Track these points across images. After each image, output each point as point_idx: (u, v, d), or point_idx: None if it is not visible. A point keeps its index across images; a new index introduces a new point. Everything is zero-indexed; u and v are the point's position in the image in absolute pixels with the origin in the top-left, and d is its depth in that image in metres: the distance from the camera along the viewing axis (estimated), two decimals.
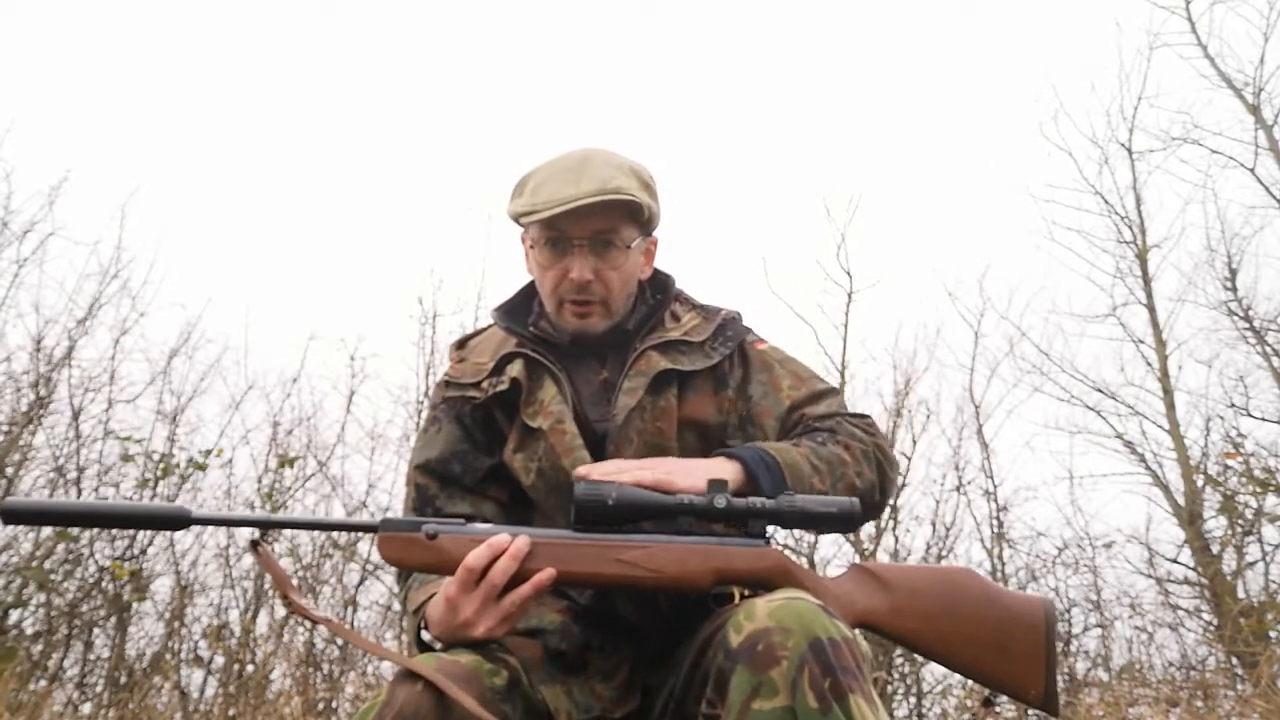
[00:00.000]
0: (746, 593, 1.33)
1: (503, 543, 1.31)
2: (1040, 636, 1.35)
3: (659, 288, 1.75)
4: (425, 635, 1.42)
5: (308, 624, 6.02)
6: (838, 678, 1.14)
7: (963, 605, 1.36)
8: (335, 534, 6.04)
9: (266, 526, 1.41)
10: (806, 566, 1.36)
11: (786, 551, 1.50)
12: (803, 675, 1.14)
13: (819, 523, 1.36)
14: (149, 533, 6.12)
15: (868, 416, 1.64)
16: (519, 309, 1.74)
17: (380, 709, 1.23)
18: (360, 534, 1.58)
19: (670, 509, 1.35)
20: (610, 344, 1.66)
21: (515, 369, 1.61)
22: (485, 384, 1.63)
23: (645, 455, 1.53)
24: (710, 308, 1.73)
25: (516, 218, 1.63)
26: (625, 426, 1.55)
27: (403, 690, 1.25)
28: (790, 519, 1.35)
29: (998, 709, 5.81)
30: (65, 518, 1.46)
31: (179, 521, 1.30)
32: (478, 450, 1.64)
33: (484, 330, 1.77)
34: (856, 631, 1.28)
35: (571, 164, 1.58)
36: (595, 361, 1.67)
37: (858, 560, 6.63)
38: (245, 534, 6.41)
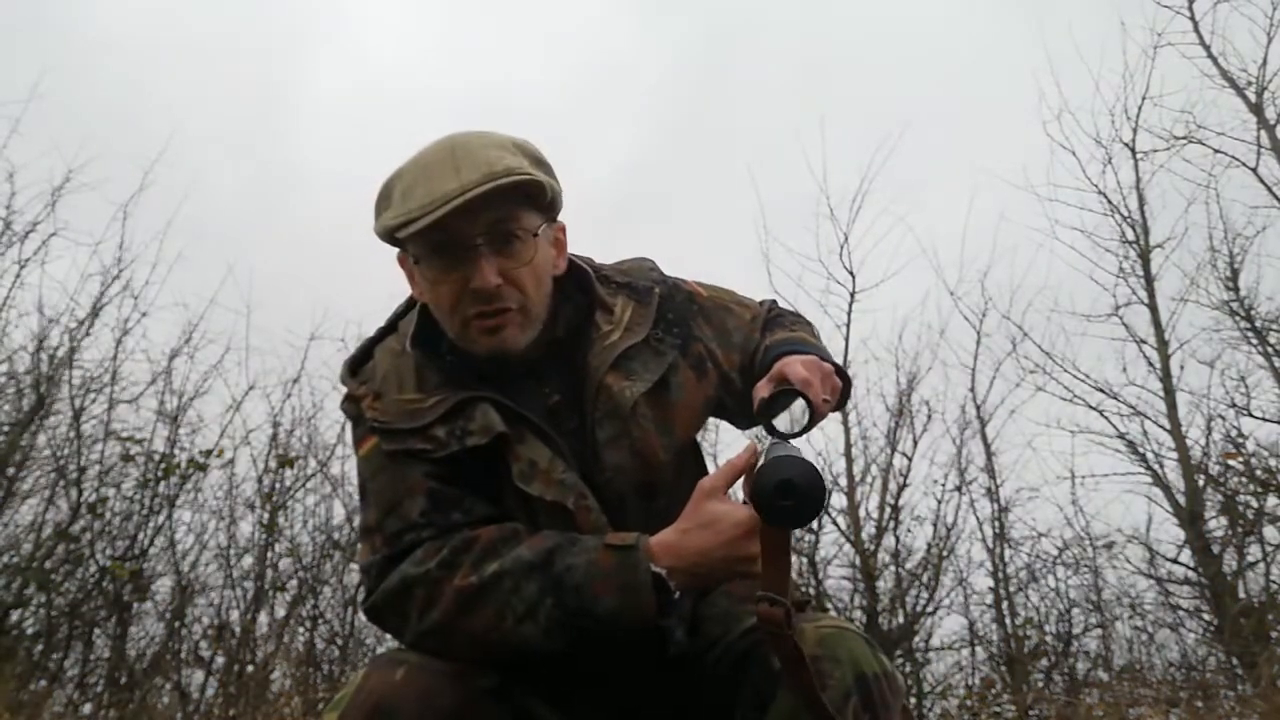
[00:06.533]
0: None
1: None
2: None
3: (579, 282, 1.48)
4: (657, 569, 1.24)
5: (308, 624, 6.03)
6: (877, 714, 1.20)
7: None
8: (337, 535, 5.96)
9: None
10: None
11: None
12: (847, 705, 1.19)
13: None
14: (149, 533, 6.13)
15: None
16: (433, 335, 1.43)
17: (354, 694, 1.19)
18: None
19: None
20: (544, 357, 1.42)
21: (489, 418, 1.33)
22: (439, 432, 1.34)
23: (636, 490, 1.40)
24: (636, 282, 1.51)
25: (390, 234, 1.35)
26: (616, 479, 1.38)
27: (378, 677, 1.21)
28: None
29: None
30: None
31: None
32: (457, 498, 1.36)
33: (368, 350, 1.47)
34: (893, 666, 1.29)
35: (442, 154, 1.33)
36: (533, 381, 1.41)
37: (857, 559, 6.60)
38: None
